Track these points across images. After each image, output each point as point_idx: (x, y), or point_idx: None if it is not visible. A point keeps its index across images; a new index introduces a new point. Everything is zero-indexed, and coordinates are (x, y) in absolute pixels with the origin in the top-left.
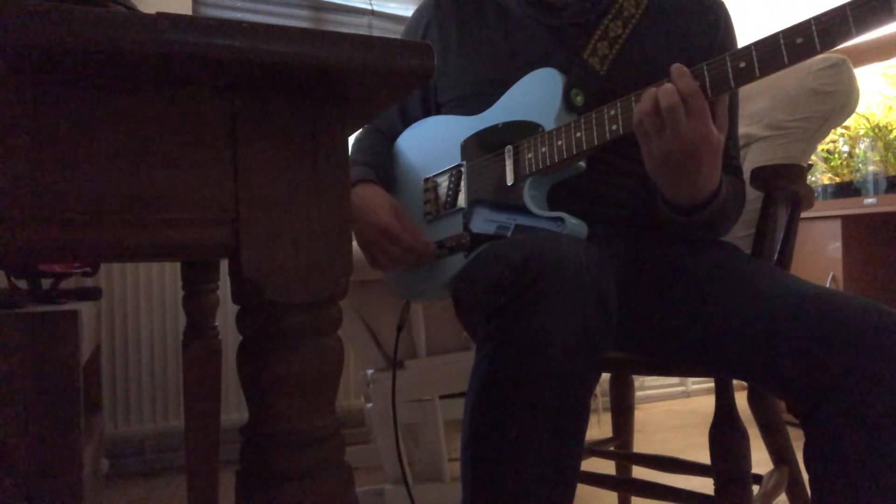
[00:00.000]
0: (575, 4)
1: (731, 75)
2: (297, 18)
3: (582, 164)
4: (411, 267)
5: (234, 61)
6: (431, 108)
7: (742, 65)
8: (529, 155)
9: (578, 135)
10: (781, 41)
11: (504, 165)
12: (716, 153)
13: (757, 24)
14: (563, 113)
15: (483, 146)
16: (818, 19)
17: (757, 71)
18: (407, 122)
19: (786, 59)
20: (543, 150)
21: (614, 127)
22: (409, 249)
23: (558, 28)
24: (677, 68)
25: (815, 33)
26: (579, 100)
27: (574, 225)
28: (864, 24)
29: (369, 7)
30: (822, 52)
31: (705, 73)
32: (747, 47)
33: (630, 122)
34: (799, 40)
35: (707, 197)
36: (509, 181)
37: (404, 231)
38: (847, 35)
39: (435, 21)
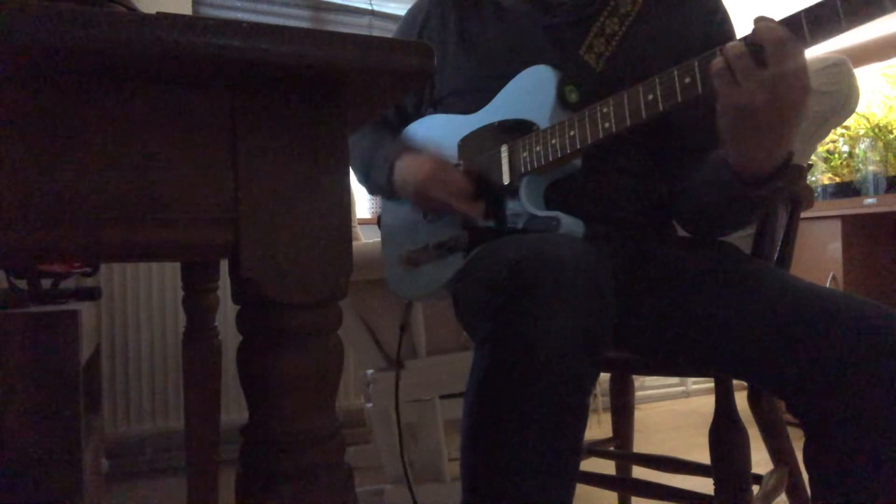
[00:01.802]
0: (571, 1)
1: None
2: (297, 18)
3: (577, 162)
4: (466, 209)
5: (234, 61)
6: (426, 104)
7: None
8: (524, 154)
9: (572, 133)
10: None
11: (500, 164)
12: (803, 113)
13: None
14: (557, 110)
15: (479, 145)
16: (809, 11)
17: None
18: (403, 116)
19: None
20: (538, 148)
21: (606, 125)
22: (458, 186)
23: (554, 25)
24: (760, 17)
25: (804, 25)
26: (574, 97)
27: (570, 224)
28: (854, 17)
29: (369, 7)
30: (811, 44)
31: (802, 18)
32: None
33: (623, 118)
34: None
35: (779, 164)
36: (505, 180)
37: (455, 173)
38: (836, 28)
39: (435, 14)
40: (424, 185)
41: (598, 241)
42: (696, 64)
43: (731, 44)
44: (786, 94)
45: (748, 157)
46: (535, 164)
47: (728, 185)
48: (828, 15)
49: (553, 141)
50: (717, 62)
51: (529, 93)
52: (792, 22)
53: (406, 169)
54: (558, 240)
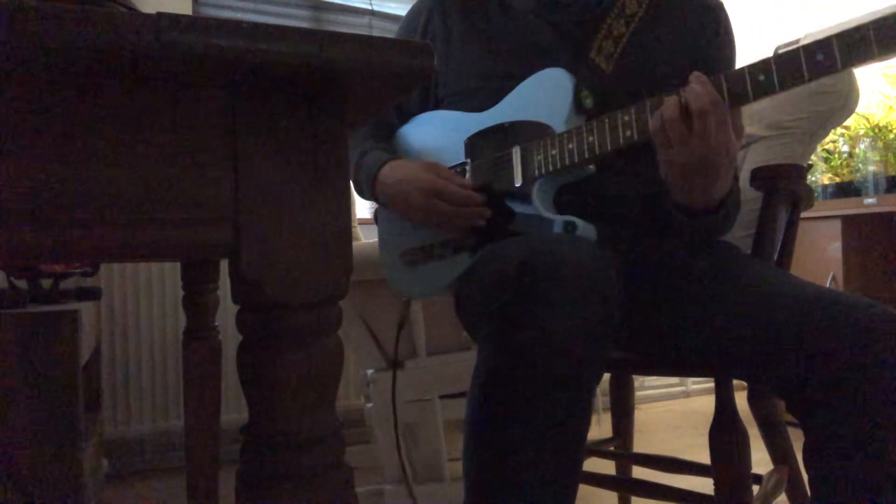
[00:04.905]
0: (578, 1)
1: (749, 88)
2: (297, 18)
3: (592, 167)
4: (468, 222)
5: (234, 61)
6: (430, 101)
7: (761, 77)
8: (539, 157)
9: (591, 139)
10: (802, 57)
11: (512, 166)
12: (733, 161)
13: (760, 30)
14: (572, 115)
15: (488, 145)
16: (840, 36)
17: (777, 85)
18: (402, 116)
19: (805, 76)
20: (553, 152)
21: (628, 133)
22: (461, 202)
23: (561, 25)
24: (697, 76)
25: (836, 50)
26: (589, 102)
27: (585, 228)
28: (887, 46)
29: (369, 7)
30: (842, 70)
31: (723, 84)
32: (766, 60)
33: (646, 128)
34: (819, 57)
35: (719, 200)
36: (517, 182)
37: (451, 185)
38: (869, 56)
39: (437, 12)
40: (426, 207)
41: (603, 242)
42: (724, 78)
43: (666, 106)
44: (706, 155)
45: (688, 198)
46: (550, 167)
47: (672, 214)
48: (858, 41)
49: (570, 146)
50: (655, 123)
51: (544, 96)
52: (823, 45)
53: (396, 187)
54: (563, 239)
